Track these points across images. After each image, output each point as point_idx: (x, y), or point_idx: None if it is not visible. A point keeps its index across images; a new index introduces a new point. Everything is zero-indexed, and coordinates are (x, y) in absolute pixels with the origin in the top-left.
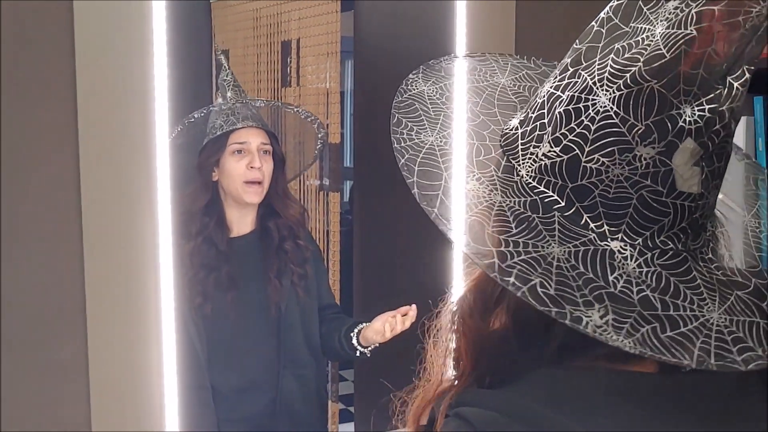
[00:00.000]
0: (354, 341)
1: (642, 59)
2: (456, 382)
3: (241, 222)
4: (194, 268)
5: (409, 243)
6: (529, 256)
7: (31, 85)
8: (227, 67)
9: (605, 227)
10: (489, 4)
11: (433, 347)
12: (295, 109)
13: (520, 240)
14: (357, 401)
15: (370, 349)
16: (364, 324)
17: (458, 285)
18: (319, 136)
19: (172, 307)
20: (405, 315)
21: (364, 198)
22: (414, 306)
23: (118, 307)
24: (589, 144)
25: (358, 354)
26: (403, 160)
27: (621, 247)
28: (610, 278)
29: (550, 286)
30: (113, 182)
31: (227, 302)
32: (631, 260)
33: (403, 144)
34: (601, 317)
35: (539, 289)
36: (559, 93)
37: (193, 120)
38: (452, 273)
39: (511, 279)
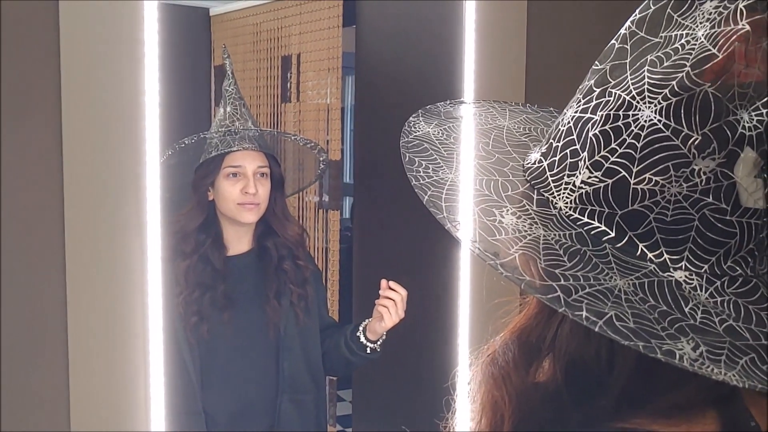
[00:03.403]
0: (362, 339)
1: (689, 63)
2: None
3: (238, 241)
4: (189, 287)
5: (410, 261)
6: (593, 288)
7: (14, 95)
8: (231, 74)
9: (665, 256)
10: (499, 24)
11: (465, 401)
12: (293, 138)
13: (578, 274)
14: (355, 423)
15: (379, 343)
16: (367, 320)
17: (495, 335)
18: (321, 159)
19: (161, 327)
20: (391, 290)
21: (365, 215)
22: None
23: (101, 328)
24: (636, 163)
25: (368, 351)
26: (426, 197)
27: (686, 276)
28: (686, 310)
29: (628, 319)
30: (99, 199)
31: (223, 322)
32: (701, 290)
33: (422, 182)
34: (693, 349)
35: (617, 323)
36: (588, 115)
37: (183, 145)
38: (455, 292)
39: (583, 313)
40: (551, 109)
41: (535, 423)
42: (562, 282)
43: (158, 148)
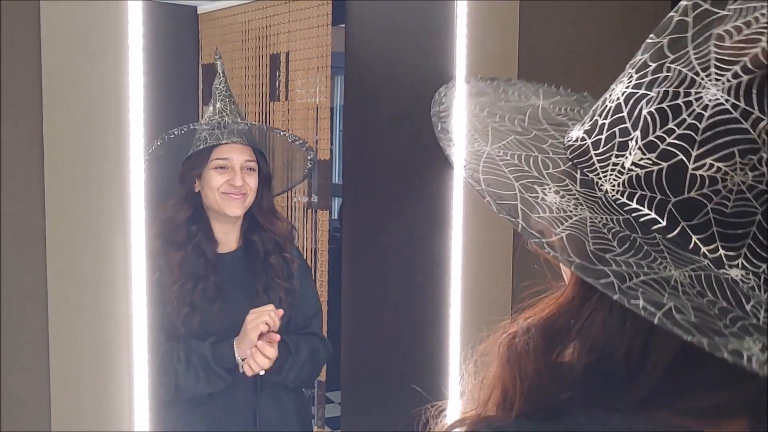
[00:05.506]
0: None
1: (765, 37)
2: (497, 412)
3: (227, 238)
4: (183, 277)
5: (399, 262)
6: (648, 277)
7: None
8: (221, 73)
9: (721, 252)
10: (491, 23)
11: (473, 374)
12: (282, 134)
13: (630, 260)
14: (344, 424)
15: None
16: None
17: (515, 314)
18: (309, 158)
19: (145, 324)
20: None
21: (353, 216)
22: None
23: (83, 326)
24: (697, 146)
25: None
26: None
27: (743, 275)
28: (747, 308)
29: (689, 312)
30: (81, 198)
31: (213, 314)
32: (759, 291)
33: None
34: (762, 351)
35: (677, 315)
36: (642, 92)
37: (173, 136)
38: (444, 293)
39: (641, 302)
40: (585, 93)
41: (543, 401)
42: (614, 267)
43: (143, 148)
